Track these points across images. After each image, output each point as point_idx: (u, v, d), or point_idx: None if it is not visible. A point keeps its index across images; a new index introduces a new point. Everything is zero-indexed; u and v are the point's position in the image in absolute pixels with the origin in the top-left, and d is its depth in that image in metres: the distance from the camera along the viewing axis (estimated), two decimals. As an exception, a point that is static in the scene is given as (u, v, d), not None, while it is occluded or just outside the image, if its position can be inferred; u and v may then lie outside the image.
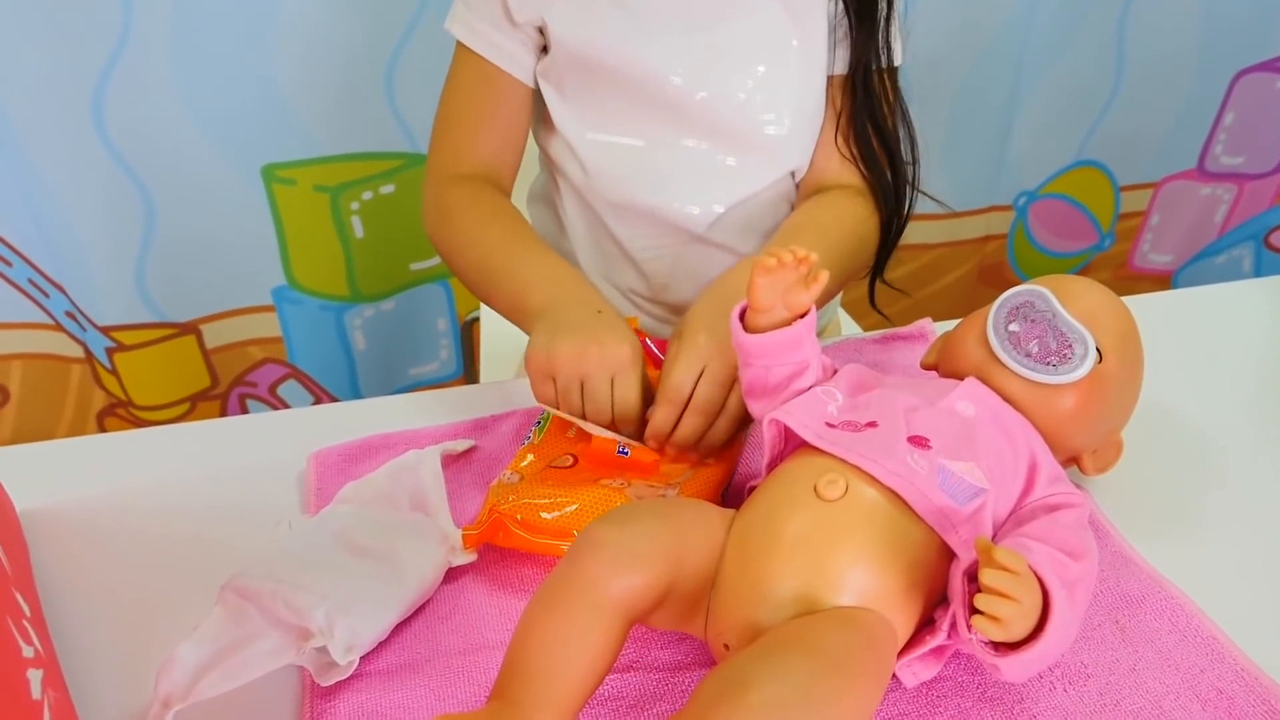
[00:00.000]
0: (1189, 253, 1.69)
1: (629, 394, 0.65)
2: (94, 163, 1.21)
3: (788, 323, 0.57)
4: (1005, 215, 1.58)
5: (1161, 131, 1.54)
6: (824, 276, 0.56)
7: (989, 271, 1.61)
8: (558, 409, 0.66)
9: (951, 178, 1.46)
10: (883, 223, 0.82)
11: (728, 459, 0.66)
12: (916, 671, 0.52)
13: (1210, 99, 1.52)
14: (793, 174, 0.84)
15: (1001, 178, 1.54)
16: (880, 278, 0.85)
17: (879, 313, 0.88)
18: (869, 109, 0.80)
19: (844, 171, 0.82)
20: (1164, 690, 0.54)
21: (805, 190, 0.85)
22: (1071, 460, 0.62)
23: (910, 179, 0.82)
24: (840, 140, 0.81)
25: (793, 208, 0.85)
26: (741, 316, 0.59)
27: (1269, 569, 0.62)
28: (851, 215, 0.80)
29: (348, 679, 0.55)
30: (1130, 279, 1.67)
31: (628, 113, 0.81)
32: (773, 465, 0.57)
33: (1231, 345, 0.82)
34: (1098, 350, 0.58)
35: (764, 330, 0.58)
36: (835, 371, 0.61)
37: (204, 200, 1.27)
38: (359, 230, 1.38)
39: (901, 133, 0.81)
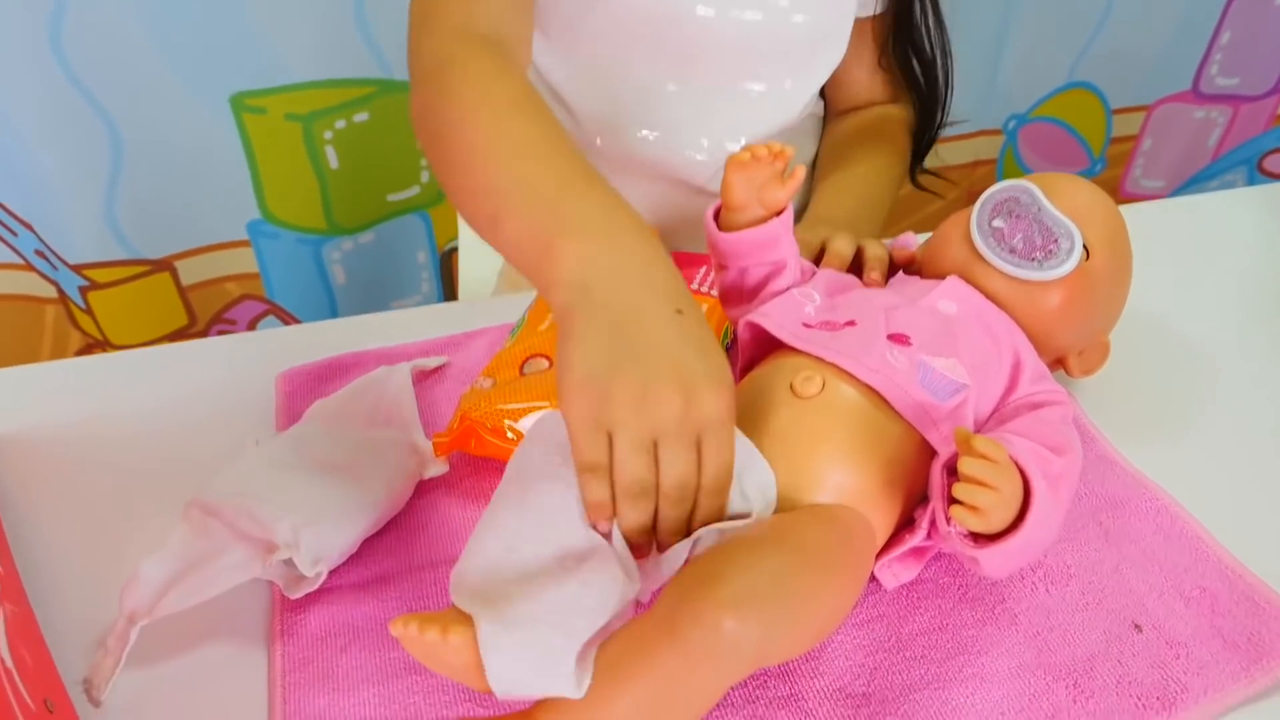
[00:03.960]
0: (1181, 178, 1.67)
1: (722, 460, 0.45)
2: (56, 95, 1.17)
3: (764, 221, 0.55)
4: (994, 140, 1.55)
5: (1155, 52, 1.51)
6: (800, 172, 0.54)
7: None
8: (599, 478, 0.45)
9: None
10: (915, 131, 0.82)
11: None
12: (896, 573, 0.51)
13: (1206, 17, 1.49)
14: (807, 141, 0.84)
15: (991, 100, 1.50)
16: (919, 168, 0.85)
17: (927, 190, 0.87)
18: (909, 35, 0.79)
19: (876, 87, 0.83)
20: (1147, 589, 0.53)
21: (834, 111, 0.85)
22: (1057, 363, 0.61)
23: (945, 92, 0.81)
24: (880, 59, 0.81)
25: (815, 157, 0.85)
26: (716, 216, 0.57)
27: (1254, 470, 0.61)
28: (880, 172, 0.80)
29: (318, 592, 0.54)
30: (1120, 205, 1.65)
31: (628, 49, 0.76)
32: (747, 371, 0.56)
33: (1222, 253, 0.80)
34: (1084, 247, 0.56)
35: (739, 229, 0.56)
36: (814, 274, 0.59)
37: (172, 131, 1.24)
38: (333, 160, 1.34)
39: (938, 53, 0.81)
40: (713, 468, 0.45)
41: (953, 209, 1.67)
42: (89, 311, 1.36)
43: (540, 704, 0.41)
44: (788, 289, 0.57)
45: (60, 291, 1.36)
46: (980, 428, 0.52)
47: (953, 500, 0.45)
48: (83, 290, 1.34)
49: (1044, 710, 0.48)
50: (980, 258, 0.56)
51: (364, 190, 1.38)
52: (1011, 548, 0.45)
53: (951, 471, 0.46)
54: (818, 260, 0.64)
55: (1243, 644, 0.50)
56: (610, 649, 0.42)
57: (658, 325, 0.44)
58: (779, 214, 0.56)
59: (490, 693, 0.41)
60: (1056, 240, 0.56)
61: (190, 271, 1.37)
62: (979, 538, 0.46)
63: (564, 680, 0.40)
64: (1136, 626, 0.51)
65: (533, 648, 0.40)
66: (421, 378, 0.69)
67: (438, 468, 0.60)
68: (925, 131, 0.82)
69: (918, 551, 0.51)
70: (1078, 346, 0.60)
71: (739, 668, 0.41)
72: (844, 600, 0.45)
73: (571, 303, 0.45)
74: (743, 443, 0.47)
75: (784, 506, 0.47)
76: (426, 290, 1.50)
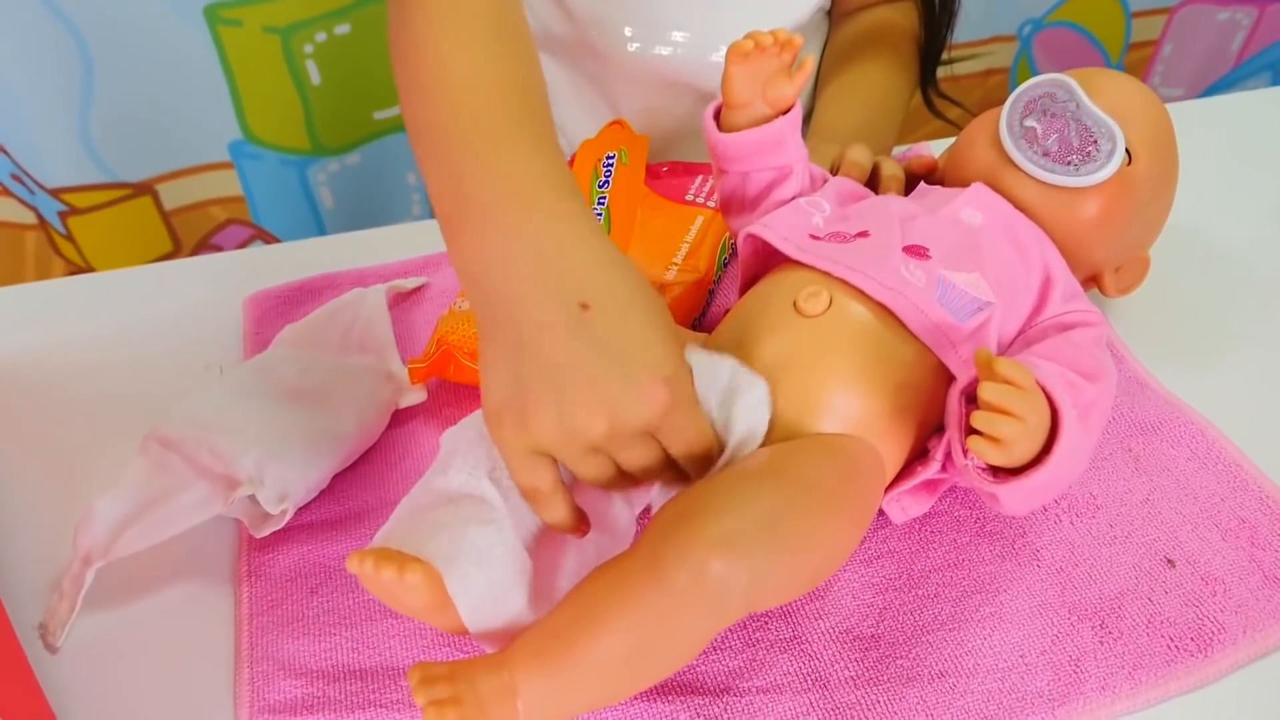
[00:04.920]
0: (1202, 85, 1.61)
1: (685, 441, 0.41)
2: (21, 8, 1.12)
3: (769, 120, 0.50)
4: (1009, 46, 1.48)
5: (1181, -54, 1.43)
6: (810, 64, 0.49)
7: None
8: (546, 502, 0.42)
9: (952, 6, 1.36)
10: (927, 27, 0.75)
11: (698, 276, 0.59)
12: (906, 507, 0.48)
13: (1234, -90, 1.41)
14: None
15: (1005, 5, 1.44)
16: (933, 84, 0.78)
17: (942, 118, 0.80)
18: None
19: None
20: (1180, 521, 0.49)
21: (839, 10, 0.79)
22: (1091, 280, 0.55)
23: None
24: None
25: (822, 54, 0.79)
26: (717, 116, 0.52)
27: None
28: (889, 80, 0.74)
29: (287, 531, 0.51)
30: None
31: None
32: (748, 288, 0.51)
33: (1257, 158, 0.75)
34: (1127, 150, 0.50)
35: (741, 129, 0.50)
36: (825, 181, 0.54)
37: (144, 47, 1.19)
38: (315, 76, 1.29)
39: None
40: (677, 449, 0.41)
41: (963, 121, 1.61)
42: (70, 238, 1.33)
43: (515, 645, 0.38)
44: (794, 198, 0.52)
45: (40, 217, 1.32)
46: (1004, 350, 0.48)
47: (971, 430, 0.40)
48: (62, 216, 1.31)
49: (1068, 653, 0.44)
50: (1009, 162, 0.51)
51: (349, 107, 1.33)
52: (1035, 484, 0.41)
53: (971, 399, 0.42)
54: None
55: (1285, 579, 0.47)
56: (592, 586, 0.38)
57: (560, 335, 0.38)
58: (785, 112, 0.50)
59: (456, 633, 0.40)
60: (1096, 141, 0.50)
61: (172, 195, 1.33)
62: (999, 472, 0.42)
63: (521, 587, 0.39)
64: (1169, 561, 0.47)
65: (486, 561, 0.39)
66: (399, 300, 0.64)
67: (415, 396, 0.56)
68: (934, 35, 0.75)
69: (930, 485, 0.47)
70: (1115, 262, 0.54)
71: (727, 612, 0.38)
72: (844, 542, 0.41)
73: (473, 304, 0.41)
74: (743, 375, 0.43)
75: (786, 435, 0.43)
76: (418, 213, 1.46)
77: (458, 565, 0.38)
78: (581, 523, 0.43)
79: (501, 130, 0.42)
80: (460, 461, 0.41)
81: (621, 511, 0.44)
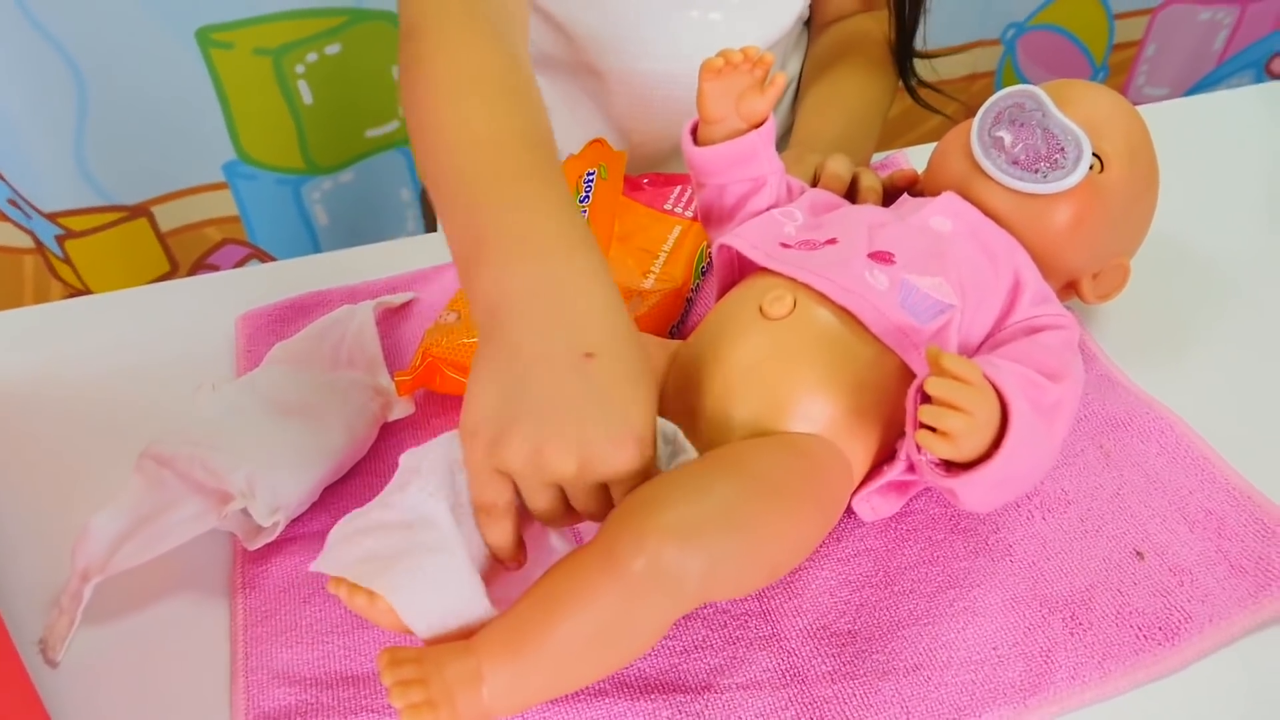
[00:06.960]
0: (1186, 84, 1.62)
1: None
2: (13, 35, 1.13)
3: (743, 134, 0.52)
4: (993, 50, 1.49)
5: (1160, -52, 1.44)
6: (781, 80, 0.50)
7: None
8: (495, 520, 0.43)
9: (934, 10, 1.37)
10: (896, 24, 0.75)
11: (675, 285, 0.61)
12: (875, 507, 0.49)
13: (1213, -89, 1.42)
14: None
15: (988, 9, 1.45)
16: (913, 76, 0.78)
17: (940, 113, 0.81)
18: None
19: None
20: (1149, 514, 0.50)
21: (816, 23, 0.80)
22: (1069, 288, 0.56)
23: None
24: None
25: (802, 66, 0.80)
26: (695, 132, 0.53)
27: (1264, 386, 0.58)
28: (868, 89, 0.75)
29: (280, 542, 0.52)
30: (1125, 112, 1.60)
31: None
32: (723, 297, 0.53)
33: (1235, 156, 0.76)
34: (1097, 156, 0.52)
35: (718, 143, 0.52)
36: (801, 192, 0.55)
37: (137, 71, 1.20)
38: (307, 96, 1.30)
39: None
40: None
41: (949, 126, 1.62)
42: (68, 261, 1.34)
43: (481, 634, 0.40)
44: (769, 208, 0.53)
45: (37, 241, 1.33)
46: (972, 352, 0.49)
47: (923, 426, 0.41)
48: (59, 239, 1.32)
49: (1039, 644, 0.46)
50: (980, 171, 0.52)
51: (341, 126, 1.34)
52: (987, 477, 0.42)
53: (927, 397, 0.43)
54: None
55: (1250, 569, 0.48)
56: (554, 578, 0.40)
57: (559, 376, 0.40)
58: (759, 126, 0.52)
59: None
60: (1063, 149, 0.51)
61: (168, 217, 1.34)
62: (952, 466, 0.43)
63: (477, 605, 0.40)
64: (1138, 554, 0.49)
65: (440, 589, 0.40)
66: (388, 315, 0.65)
67: (403, 409, 0.57)
68: (902, 31, 0.76)
69: (900, 486, 0.49)
70: (1092, 268, 0.55)
71: (683, 599, 0.39)
72: (804, 534, 0.42)
73: (484, 330, 0.42)
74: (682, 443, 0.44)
75: (752, 435, 0.45)
76: (412, 229, 1.47)
77: (413, 596, 0.40)
78: (520, 553, 0.44)
79: (516, 180, 0.44)
80: (421, 482, 0.42)
81: (558, 545, 0.45)
